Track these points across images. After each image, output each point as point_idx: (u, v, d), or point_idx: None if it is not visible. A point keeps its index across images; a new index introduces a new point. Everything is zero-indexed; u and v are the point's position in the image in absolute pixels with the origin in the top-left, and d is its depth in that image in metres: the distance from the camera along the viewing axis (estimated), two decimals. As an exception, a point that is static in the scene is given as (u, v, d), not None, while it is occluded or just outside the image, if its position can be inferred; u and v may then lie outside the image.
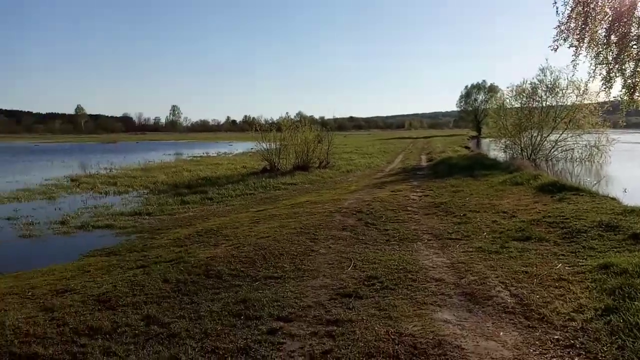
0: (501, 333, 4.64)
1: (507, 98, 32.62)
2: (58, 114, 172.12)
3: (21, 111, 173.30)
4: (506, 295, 5.61)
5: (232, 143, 78.56)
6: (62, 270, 7.86)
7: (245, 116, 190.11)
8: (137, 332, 4.93)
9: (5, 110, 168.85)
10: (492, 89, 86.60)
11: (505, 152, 32.60)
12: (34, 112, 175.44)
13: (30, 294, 6.58)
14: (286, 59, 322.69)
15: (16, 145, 74.82)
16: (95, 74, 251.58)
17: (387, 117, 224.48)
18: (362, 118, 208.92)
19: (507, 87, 30.70)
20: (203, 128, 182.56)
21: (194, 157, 42.29)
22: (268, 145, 25.63)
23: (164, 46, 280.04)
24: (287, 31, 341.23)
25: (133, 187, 19.62)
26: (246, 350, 4.42)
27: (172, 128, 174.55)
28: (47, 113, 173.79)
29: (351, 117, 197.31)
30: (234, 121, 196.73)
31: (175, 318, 5.26)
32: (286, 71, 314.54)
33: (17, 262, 8.68)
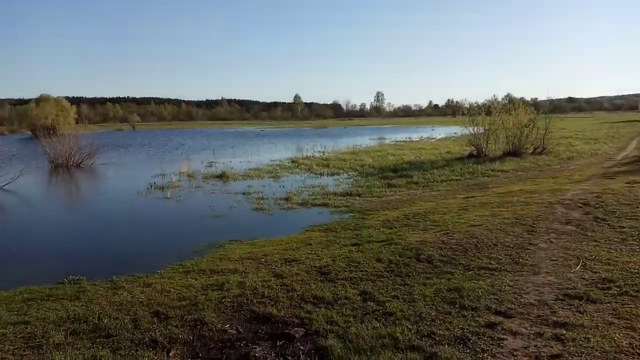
0: None
1: None
2: (279, 102, 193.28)
3: (250, 100, 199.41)
4: None
5: (434, 127, 77.45)
6: (288, 242, 8.77)
7: (448, 100, 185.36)
8: (355, 306, 5.20)
9: (239, 100, 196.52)
10: None
11: None
12: (260, 101, 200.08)
13: (263, 260, 7.49)
14: (488, 37, 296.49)
15: (247, 131, 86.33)
16: (310, 67, 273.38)
17: (614, 97, 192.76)
18: (583, 99, 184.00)
19: None
20: (405, 113, 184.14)
21: (397, 141, 42.90)
22: (475, 130, 24.46)
23: (367, 34, 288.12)
24: (492, 9, 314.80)
25: (343, 169, 20.81)
26: (464, 340, 4.28)
27: (376, 113, 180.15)
28: (270, 102, 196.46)
29: (570, 98, 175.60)
30: (436, 105, 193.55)
31: (390, 297, 5.38)
32: (490, 51, 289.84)
33: (252, 231, 9.97)
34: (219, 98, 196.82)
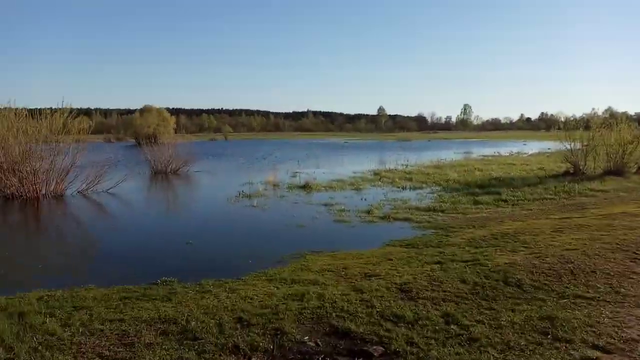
0: None
1: None
2: (363, 114, 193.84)
3: (335, 112, 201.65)
4: None
5: (526, 142, 73.62)
6: (368, 255, 8.66)
7: (542, 113, 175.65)
8: (437, 328, 4.99)
9: (323, 112, 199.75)
10: None
11: None
12: (345, 113, 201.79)
13: (343, 273, 7.46)
14: (586, 49, 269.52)
15: (330, 142, 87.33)
16: (396, 79, 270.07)
17: None
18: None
19: None
20: (494, 126, 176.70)
21: (485, 156, 41.22)
22: (571, 146, 22.89)
23: (457, 47, 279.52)
24: (589, 25, 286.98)
25: (426, 184, 20.32)
26: (556, 375, 3.94)
27: (462, 126, 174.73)
28: (354, 114, 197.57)
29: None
30: (528, 119, 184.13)
31: (474, 322, 5.11)
32: (588, 62, 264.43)
33: (333, 243, 9.98)
34: (305, 110, 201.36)
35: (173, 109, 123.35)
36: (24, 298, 6.40)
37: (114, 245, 10.66)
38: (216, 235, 11.60)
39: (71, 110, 19.54)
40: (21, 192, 17.68)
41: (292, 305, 5.84)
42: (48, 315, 5.60)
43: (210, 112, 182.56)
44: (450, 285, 6.38)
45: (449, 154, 45.41)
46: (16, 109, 18.86)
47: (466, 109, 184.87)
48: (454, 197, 16.09)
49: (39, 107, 19.45)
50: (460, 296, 5.95)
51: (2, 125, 18.35)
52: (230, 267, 8.22)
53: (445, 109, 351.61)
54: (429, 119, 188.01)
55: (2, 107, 18.95)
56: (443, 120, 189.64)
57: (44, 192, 18.21)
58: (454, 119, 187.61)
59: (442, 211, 13.57)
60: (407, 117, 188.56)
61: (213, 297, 6.34)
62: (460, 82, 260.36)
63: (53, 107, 19.46)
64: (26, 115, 18.85)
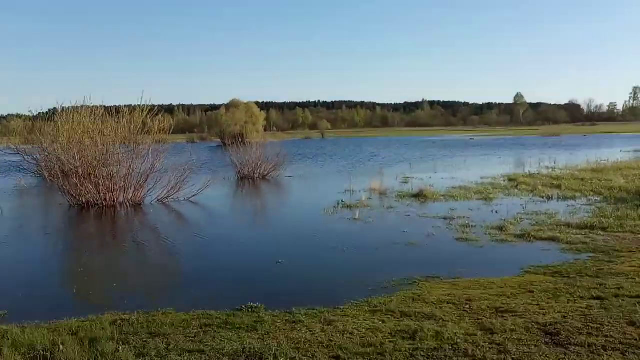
0: None
1: None
2: (494, 103, 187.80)
3: (457, 102, 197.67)
4: None
5: None
6: (500, 285, 8.31)
7: None
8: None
9: (443, 102, 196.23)
10: None
11: None
12: (470, 102, 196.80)
13: (467, 306, 7.22)
14: None
15: (452, 139, 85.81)
16: (536, 58, 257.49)
17: None
18: None
19: None
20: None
21: (665, 155, 37.92)
22: None
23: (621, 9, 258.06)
24: None
25: (581, 192, 19.15)
26: None
27: (632, 116, 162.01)
28: (483, 103, 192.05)
29: None
30: None
31: (649, 380, 4.67)
32: None
33: (453, 267, 9.70)
34: (419, 100, 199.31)
35: (263, 103, 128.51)
36: (97, 321, 6.98)
37: (195, 263, 11.27)
38: (310, 253, 11.82)
39: (152, 107, 20.81)
40: (97, 200, 19.36)
41: (402, 344, 5.78)
42: (121, 343, 6.05)
43: (305, 105, 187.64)
44: (613, 328, 5.96)
45: (613, 153, 42.58)
46: (93, 106, 20.57)
47: (637, 93, 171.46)
48: (619, 210, 14.96)
49: (116, 105, 21.17)
50: (628, 343, 5.52)
51: (79, 126, 20.02)
52: (325, 292, 8.32)
53: (608, 94, 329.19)
54: (585, 108, 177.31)
55: (79, 106, 20.76)
56: (605, 108, 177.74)
57: (121, 200, 19.76)
58: (620, 107, 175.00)
59: (604, 229, 12.65)
60: (555, 105, 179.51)
61: (305, 330, 6.44)
62: (629, 56, 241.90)
63: (132, 105, 20.99)
64: (103, 113, 20.51)
